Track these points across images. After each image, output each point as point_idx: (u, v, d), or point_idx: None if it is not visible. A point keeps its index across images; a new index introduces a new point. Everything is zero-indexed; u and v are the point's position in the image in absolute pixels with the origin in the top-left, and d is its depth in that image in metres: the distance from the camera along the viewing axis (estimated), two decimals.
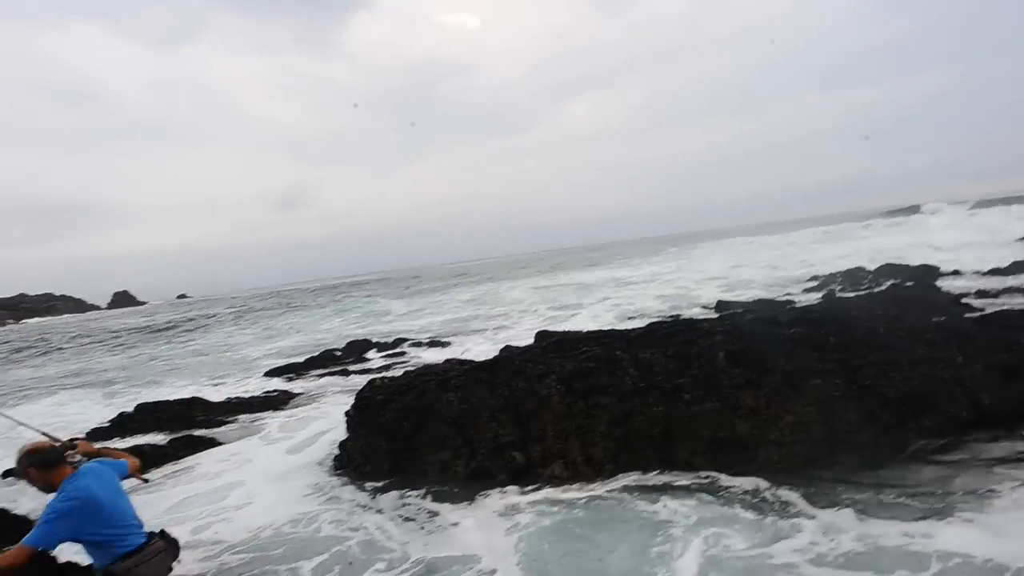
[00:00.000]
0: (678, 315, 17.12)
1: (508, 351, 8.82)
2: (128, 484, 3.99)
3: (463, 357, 10.55)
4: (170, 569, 3.81)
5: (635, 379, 7.04)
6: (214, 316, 50.98)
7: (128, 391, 17.57)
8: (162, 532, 3.91)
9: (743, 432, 6.38)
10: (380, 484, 7.23)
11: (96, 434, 11.23)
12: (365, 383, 8.37)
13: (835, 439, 6.16)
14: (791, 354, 6.82)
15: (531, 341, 12.88)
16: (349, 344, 19.83)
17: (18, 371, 27.81)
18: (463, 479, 6.95)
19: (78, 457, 3.84)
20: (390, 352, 18.22)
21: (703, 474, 6.27)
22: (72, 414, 14.89)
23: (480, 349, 16.45)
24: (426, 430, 7.42)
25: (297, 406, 12.43)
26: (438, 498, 6.64)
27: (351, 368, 16.13)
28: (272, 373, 16.84)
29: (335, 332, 27.56)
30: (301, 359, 18.36)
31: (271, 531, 6.43)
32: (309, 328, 31.82)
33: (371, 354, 18.11)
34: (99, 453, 4.06)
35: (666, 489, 6.09)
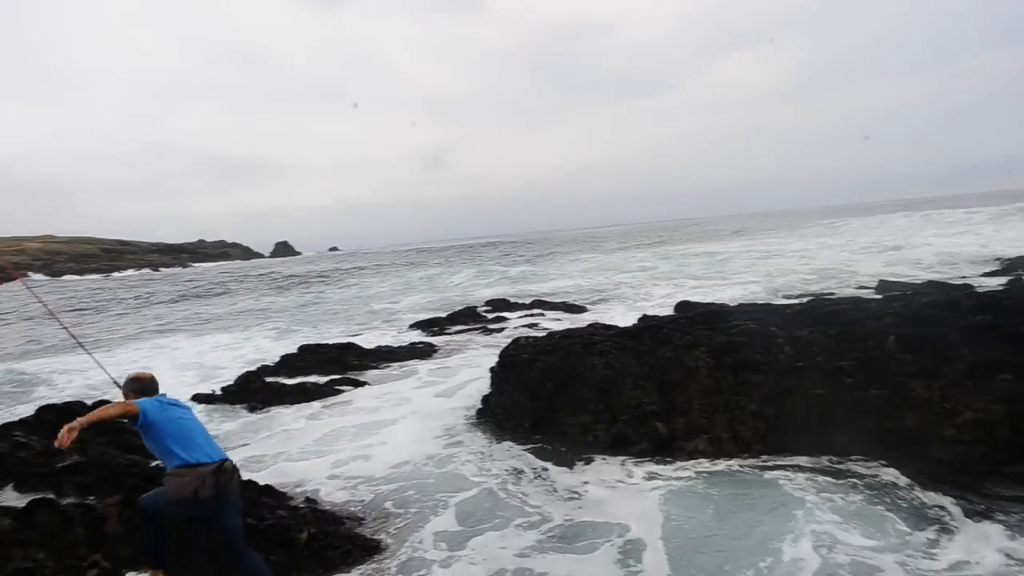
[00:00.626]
0: (832, 294, 16.00)
1: (653, 319, 8.67)
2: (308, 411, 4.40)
3: (606, 322, 10.52)
4: (196, 492, 4.01)
5: (791, 358, 6.70)
6: (362, 269, 54.37)
7: (289, 333, 19.30)
8: (220, 461, 4.17)
9: (912, 424, 5.91)
10: (521, 439, 7.46)
11: (265, 371, 12.43)
12: (510, 341, 8.60)
13: None
14: (976, 344, 6.17)
15: (670, 311, 12.62)
16: (488, 302, 20.46)
17: (201, 307, 31.28)
18: (603, 444, 7.00)
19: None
20: (527, 313, 18.57)
21: (858, 464, 5.91)
22: (248, 349, 16.61)
23: (617, 315, 16.36)
24: (568, 392, 7.54)
25: (441, 358, 13.05)
26: (577, 460, 6.75)
27: (491, 326, 16.64)
28: (416, 326, 17.75)
29: (473, 290, 28.48)
30: (443, 314, 19.21)
31: (411, 467, 6.87)
32: (446, 285, 33.10)
33: (509, 313, 18.56)
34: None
35: (816, 475, 5.80)
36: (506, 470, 6.68)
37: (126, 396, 4.41)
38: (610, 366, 7.33)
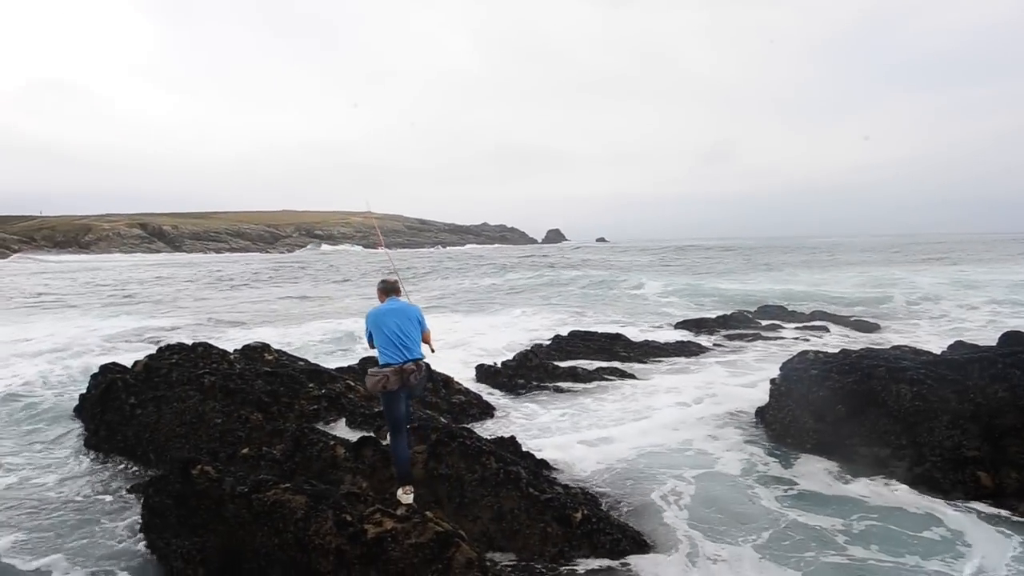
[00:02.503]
0: None
1: (984, 350, 7.34)
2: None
3: (912, 345, 9.20)
4: (396, 385, 5.16)
5: None
6: (630, 260, 54.85)
7: (557, 313, 20.24)
8: (419, 362, 5.30)
9: None
10: (800, 457, 6.89)
11: (538, 351, 13.20)
12: (795, 354, 7.97)
13: None
14: None
15: (992, 342, 10.58)
16: (762, 308, 19.21)
17: (484, 280, 34.36)
18: (903, 482, 6.14)
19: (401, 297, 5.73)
20: (806, 324, 17.01)
21: None
22: (527, 323, 17.85)
23: (921, 339, 14.23)
24: (863, 418, 6.73)
25: (709, 360, 12.60)
26: (875, 497, 5.99)
27: (765, 334, 15.60)
28: (683, 324, 17.36)
29: (743, 293, 26.92)
30: (712, 314, 18.52)
31: (680, 465, 6.74)
32: (711, 285, 31.76)
33: (785, 323, 17.20)
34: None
35: None
36: (786, 486, 6.24)
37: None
38: (922, 397, 6.37)
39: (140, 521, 5.53)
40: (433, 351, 5.85)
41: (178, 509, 5.41)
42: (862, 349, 8.05)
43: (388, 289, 5.69)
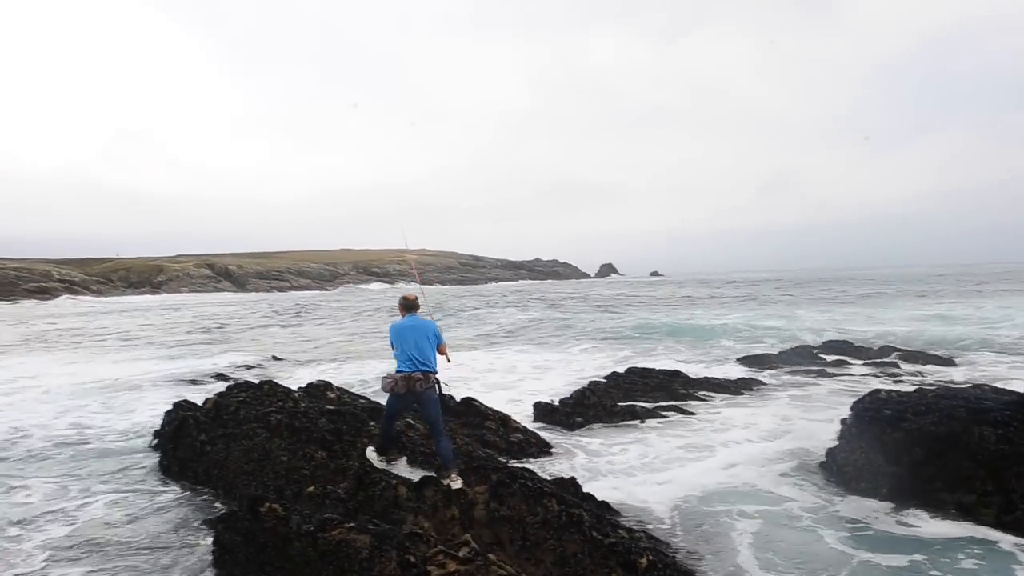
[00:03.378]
0: None
1: None
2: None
3: (993, 383, 8.74)
4: (403, 390, 6.21)
5: None
6: (685, 295, 54.01)
7: (611, 349, 20.02)
8: (428, 374, 6.22)
9: None
10: (875, 504, 6.57)
11: (595, 388, 13.06)
12: (868, 392, 7.66)
13: None
14: None
15: None
16: (827, 343, 18.59)
17: (533, 314, 34.40)
18: (993, 527, 5.78)
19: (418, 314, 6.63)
20: (875, 360, 16.35)
21: None
22: (580, 360, 17.76)
23: (1000, 375, 13.51)
24: (944, 462, 6.40)
25: (771, 397, 12.23)
26: (961, 542, 5.66)
27: (830, 370, 15.06)
28: (744, 360, 16.94)
29: (804, 327, 26.10)
30: (773, 351, 18.01)
31: (744, 505, 6.57)
32: (769, 319, 30.90)
33: (852, 359, 16.57)
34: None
35: None
36: (861, 531, 5.97)
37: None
38: (1008, 440, 6.02)
39: (211, 555, 5.68)
40: (449, 361, 6.69)
41: (247, 546, 5.53)
42: (939, 388, 7.71)
43: (408, 306, 6.59)
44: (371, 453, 6.56)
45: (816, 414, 10.45)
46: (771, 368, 15.60)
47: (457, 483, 5.74)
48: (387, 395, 6.48)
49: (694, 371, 15.30)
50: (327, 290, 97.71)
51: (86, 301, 72.58)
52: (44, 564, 5.82)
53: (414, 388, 6.17)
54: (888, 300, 40.91)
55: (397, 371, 6.28)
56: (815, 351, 17.50)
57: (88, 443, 9.92)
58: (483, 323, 33.28)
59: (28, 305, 63.87)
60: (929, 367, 15.36)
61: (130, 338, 28.76)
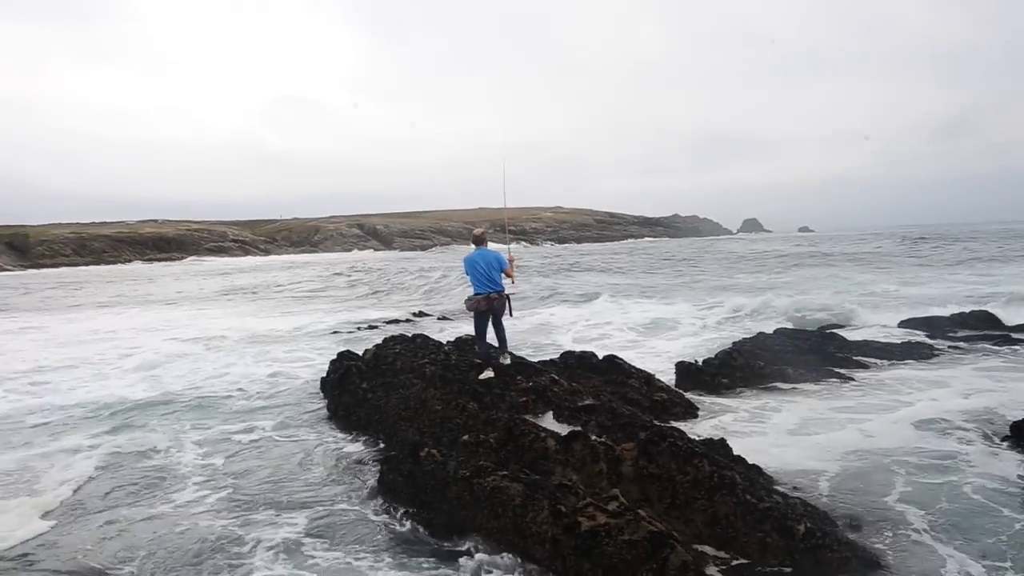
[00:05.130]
0: None
1: None
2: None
3: None
4: (484, 307, 8.13)
5: None
6: (841, 251, 50.07)
7: (759, 312, 19.05)
8: (500, 293, 8.13)
9: None
10: None
11: (742, 349, 12.55)
12: None
13: None
14: None
15: None
16: (1012, 304, 16.56)
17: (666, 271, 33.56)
18: None
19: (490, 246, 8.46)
20: None
21: None
22: (720, 319, 17.17)
23: None
24: None
25: (944, 365, 11.15)
26: None
27: (1016, 335, 13.44)
28: (908, 323, 15.52)
29: (979, 287, 23.26)
30: (944, 312, 16.32)
31: (915, 479, 6.01)
32: (944, 279, 27.84)
33: None
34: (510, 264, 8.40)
35: None
36: None
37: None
38: None
39: (376, 488, 6.23)
40: (513, 282, 8.42)
41: (407, 486, 5.99)
42: None
43: (477, 239, 8.35)
44: (484, 375, 8.10)
45: (996, 384, 9.44)
46: (944, 333, 14.16)
47: (507, 360, 8.29)
48: (472, 315, 8.27)
49: (851, 334, 14.28)
50: (467, 247, 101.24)
51: (257, 259, 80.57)
52: (230, 490, 6.67)
53: (492, 305, 8.06)
54: None
55: (475, 293, 8.06)
56: (997, 313, 15.64)
57: (272, 385, 11.26)
58: (607, 274, 32.96)
59: (210, 261, 72.21)
60: None
61: (301, 294, 31.90)
